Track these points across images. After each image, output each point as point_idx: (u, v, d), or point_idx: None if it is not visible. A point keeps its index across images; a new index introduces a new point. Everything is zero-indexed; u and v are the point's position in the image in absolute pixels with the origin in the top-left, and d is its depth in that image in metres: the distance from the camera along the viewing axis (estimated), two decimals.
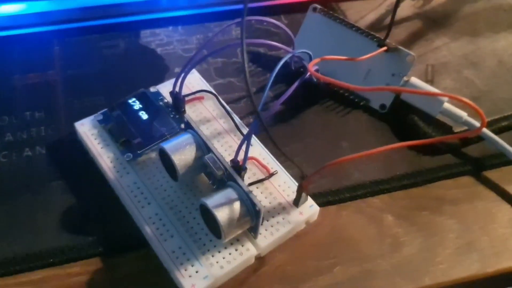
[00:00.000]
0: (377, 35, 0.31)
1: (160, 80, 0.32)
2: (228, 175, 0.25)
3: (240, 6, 0.36)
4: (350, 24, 0.32)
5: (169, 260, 0.24)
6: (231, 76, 0.33)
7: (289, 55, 0.26)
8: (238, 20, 0.28)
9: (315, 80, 0.30)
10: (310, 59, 0.28)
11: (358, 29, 0.31)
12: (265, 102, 0.26)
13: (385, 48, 0.30)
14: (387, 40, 0.31)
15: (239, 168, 0.25)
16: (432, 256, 0.27)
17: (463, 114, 0.30)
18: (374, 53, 0.30)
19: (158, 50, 0.34)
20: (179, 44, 0.34)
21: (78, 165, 0.28)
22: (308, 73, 0.27)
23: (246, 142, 0.25)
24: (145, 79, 0.32)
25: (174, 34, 0.35)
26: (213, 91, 0.30)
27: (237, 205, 0.24)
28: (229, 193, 0.24)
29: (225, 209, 0.23)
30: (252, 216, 0.24)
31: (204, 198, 0.24)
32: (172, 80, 0.31)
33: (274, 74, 0.25)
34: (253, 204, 0.23)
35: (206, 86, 0.31)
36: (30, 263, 0.25)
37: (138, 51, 0.34)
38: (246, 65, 0.20)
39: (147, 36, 0.35)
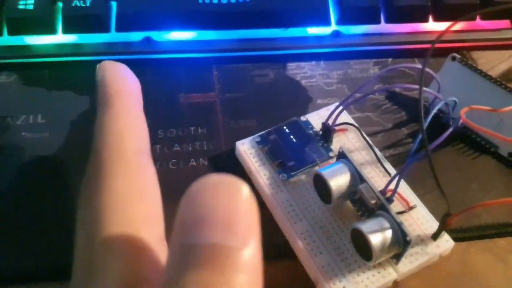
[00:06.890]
0: None
1: (304, 109, 0.36)
2: (380, 205, 0.28)
3: (379, 47, 0.39)
4: (488, 76, 0.34)
5: (319, 274, 0.27)
6: (368, 111, 0.36)
7: (442, 103, 0.29)
8: (396, 66, 0.32)
9: (459, 124, 0.33)
10: (454, 105, 0.31)
11: (497, 81, 0.34)
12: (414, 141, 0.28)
13: None
14: None
15: (386, 199, 0.28)
16: None
17: None
18: None
19: (303, 82, 0.38)
20: (321, 77, 0.38)
21: None
22: (461, 120, 0.30)
23: (398, 176, 0.28)
24: (291, 107, 0.36)
25: (317, 68, 0.39)
26: (356, 125, 0.33)
27: (388, 233, 0.27)
28: (381, 221, 0.27)
29: (378, 236, 0.26)
30: (400, 245, 0.27)
31: (359, 224, 0.27)
32: (318, 111, 0.34)
33: (429, 119, 0.28)
34: (404, 234, 0.26)
35: (349, 119, 0.34)
36: None
37: (285, 81, 0.38)
38: (421, 108, 0.23)
39: (293, 69, 0.38)
